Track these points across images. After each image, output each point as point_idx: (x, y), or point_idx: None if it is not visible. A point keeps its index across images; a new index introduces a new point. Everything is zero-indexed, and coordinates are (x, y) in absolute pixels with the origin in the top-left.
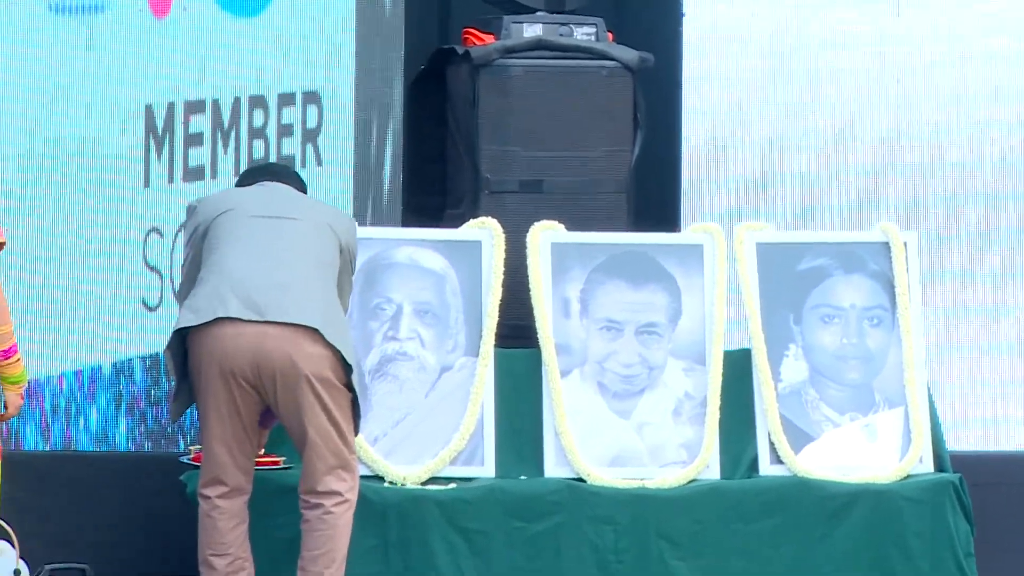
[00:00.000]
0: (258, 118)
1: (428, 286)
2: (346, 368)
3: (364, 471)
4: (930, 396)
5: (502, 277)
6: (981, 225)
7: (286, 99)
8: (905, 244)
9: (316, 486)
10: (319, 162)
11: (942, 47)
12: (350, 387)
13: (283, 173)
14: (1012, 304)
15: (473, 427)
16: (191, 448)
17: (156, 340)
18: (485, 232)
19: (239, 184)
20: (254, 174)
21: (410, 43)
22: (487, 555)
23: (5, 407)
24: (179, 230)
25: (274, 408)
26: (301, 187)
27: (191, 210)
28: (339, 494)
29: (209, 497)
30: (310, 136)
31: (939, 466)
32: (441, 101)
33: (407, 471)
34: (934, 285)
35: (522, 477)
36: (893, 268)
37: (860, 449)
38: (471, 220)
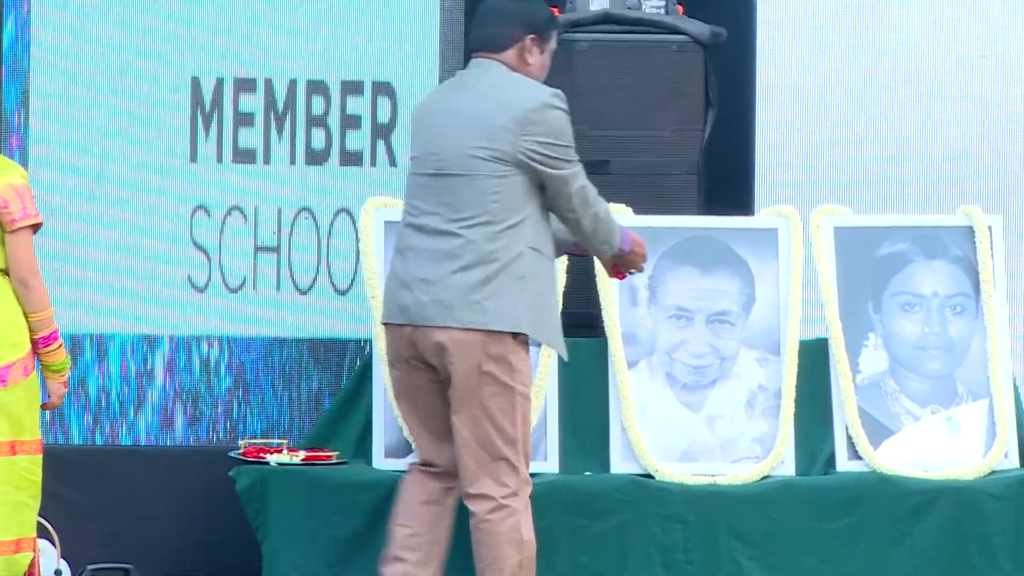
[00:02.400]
0: (317, 105)
1: None
2: (516, 337)
3: None
4: (1016, 388)
5: (566, 263)
6: None
7: (351, 87)
8: (990, 228)
9: (467, 487)
10: (392, 162)
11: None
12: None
13: (496, 38)
14: None
15: (536, 420)
16: (242, 442)
17: (207, 327)
18: None
19: (468, 46)
20: (474, 37)
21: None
22: (550, 553)
23: (48, 396)
24: (227, 214)
25: None
26: (520, 29)
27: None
28: (492, 499)
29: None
30: (381, 132)
31: None
32: None
33: None
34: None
35: (587, 473)
36: (977, 253)
37: (942, 444)
38: None
